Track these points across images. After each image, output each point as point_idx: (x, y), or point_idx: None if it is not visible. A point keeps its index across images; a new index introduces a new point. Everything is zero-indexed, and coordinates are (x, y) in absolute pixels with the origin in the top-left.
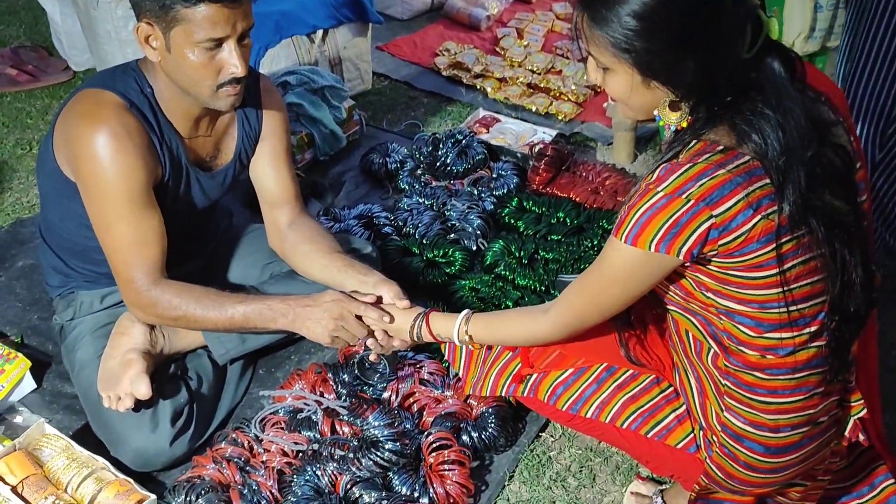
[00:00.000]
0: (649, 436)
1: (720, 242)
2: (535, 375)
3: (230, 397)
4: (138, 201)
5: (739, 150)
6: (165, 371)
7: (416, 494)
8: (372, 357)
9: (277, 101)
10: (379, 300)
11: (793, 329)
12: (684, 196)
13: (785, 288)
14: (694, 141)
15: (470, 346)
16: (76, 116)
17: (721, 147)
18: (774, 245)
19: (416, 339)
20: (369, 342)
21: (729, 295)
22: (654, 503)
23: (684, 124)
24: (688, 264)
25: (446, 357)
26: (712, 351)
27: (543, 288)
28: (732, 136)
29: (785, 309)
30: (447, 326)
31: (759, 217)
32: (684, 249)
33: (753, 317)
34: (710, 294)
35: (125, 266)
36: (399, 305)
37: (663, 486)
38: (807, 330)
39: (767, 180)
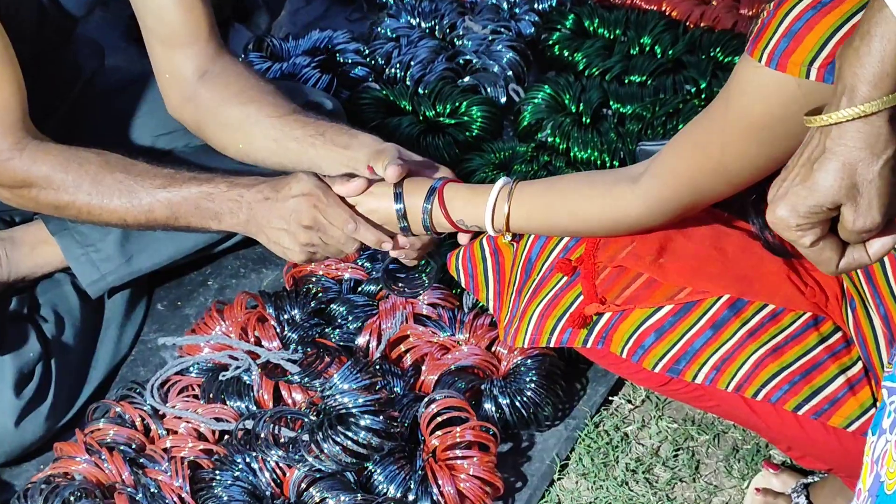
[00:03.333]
0: (801, 412)
1: None
2: (605, 316)
3: (110, 349)
4: None
5: None
6: (4, 308)
7: (410, 497)
8: (409, 262)
9: None
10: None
11: None
12: None
13: None
14: None
15: (507, 239)
16: None
17: None
18: None
19: (426, 230)
20: (394, 253)
21: None
22: None
23: None
24: None
25: (463, 282)
26: None
27: (617, 163)
28: None
29: None
30: (474, 205)
31: None
32: None
33: None
34: None
35: None
36: (388, 173)
37: (809, 479)
38: None
39: None
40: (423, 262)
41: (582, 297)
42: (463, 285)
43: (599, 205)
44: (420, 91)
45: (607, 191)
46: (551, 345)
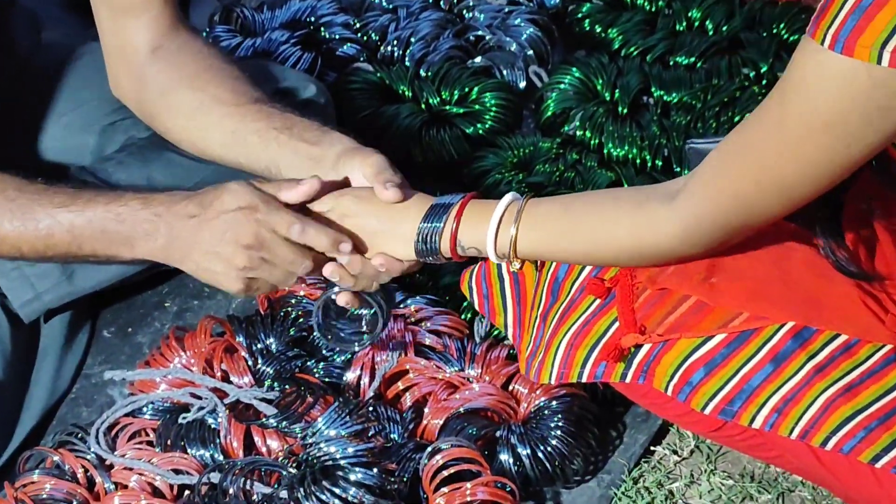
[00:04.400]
0: (879, 465)
1: None
2: (646, 347)
3: (47, 384)
4: None
5: None
6: None
7: None
8: (342, 300)
9: None
10: (343, 184)
11: None
12: None
13: None
14: None
15: (514, 268)
16: None
17: None
18: None
19: (426, 256)
20: (328, 270)
21: None
22: None
23: None
24: None
25: (476, 303)
26: None
27: (660, 163)
28: None
29: None
30: (476, 222)
31: None
32: None
33: None
34: None
35: None
36: (385, 197)
37: None
38: None
39: None
40: (365, 298)
41: (617, 326)
42: (476, 307)
43: (626, 227)
44: (422, 74)
45: (636, 210)
46: (583, 380)
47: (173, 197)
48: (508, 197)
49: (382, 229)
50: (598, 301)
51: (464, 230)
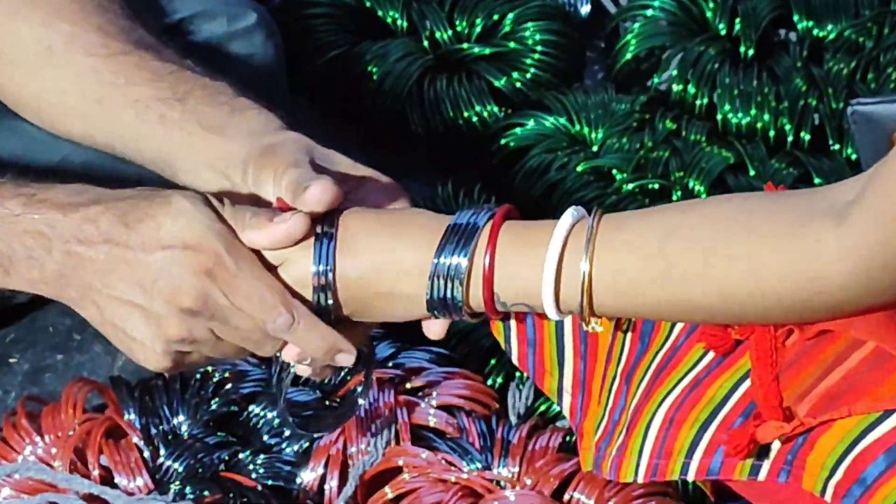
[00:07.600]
0: None
1: None
2: (787, 428)
3: None
4: None
5: None
6: None
7: None
8: (303, 371)
9: None
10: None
11: None
12: None
13: None
14: None
15: (595, 329)
16: None
17: None
18: None
19: (443, 312)
20: (343, 360)
21: None
22: None
23: None
24: None
25: (515, 356)
26: None
27: (807, 137)
28: None
29: None
30: (519, 262)
31: None
32: None
33: None
34: None
35: None
36: (308, 196)
37: None
38: None
39: None
40: (344, 371)
41: (744, 386)
42: (515, 360)
43: (777, 266)
44: None
45: (790, 236)
46: (689, 477)
47: (78, 198)
48: (569, 216)
49: (371, 281)
50: (710, 355)
51: (501, 275)
